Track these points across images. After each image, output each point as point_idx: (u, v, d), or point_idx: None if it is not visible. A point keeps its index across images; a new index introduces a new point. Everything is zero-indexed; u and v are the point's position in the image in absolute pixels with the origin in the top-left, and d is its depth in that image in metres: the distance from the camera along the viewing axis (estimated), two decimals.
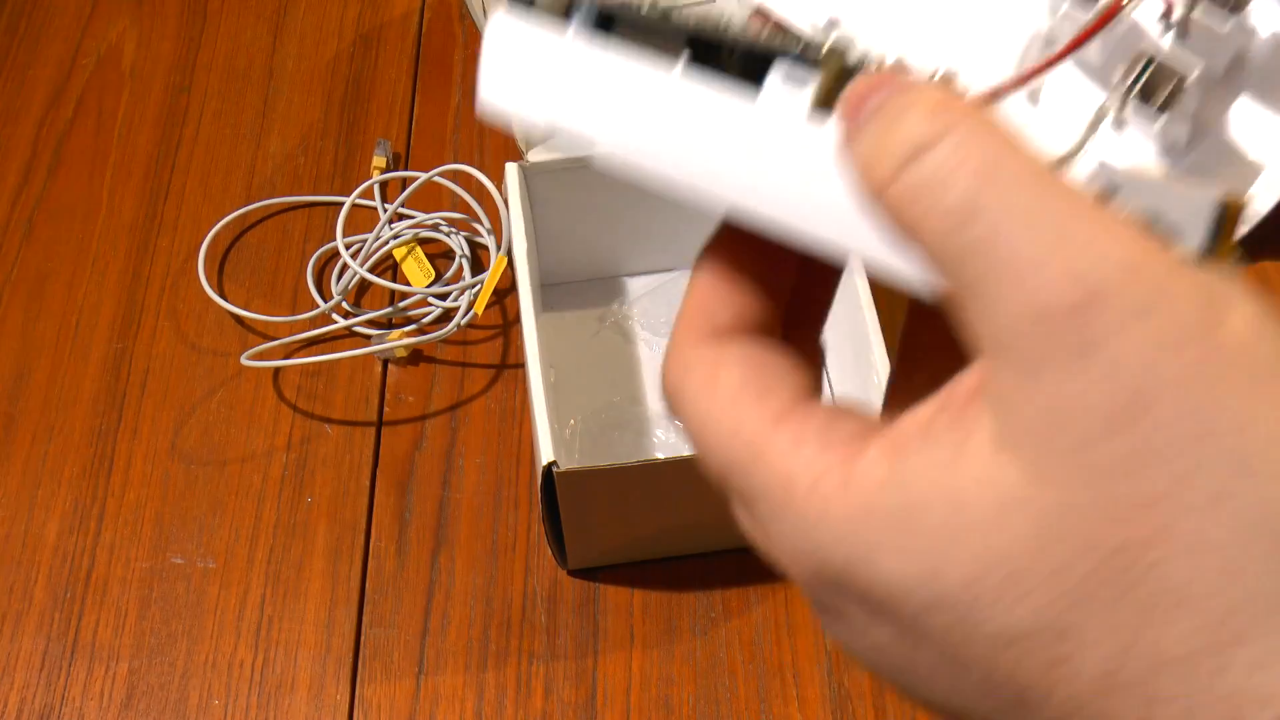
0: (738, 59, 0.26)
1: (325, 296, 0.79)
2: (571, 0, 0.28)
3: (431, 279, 0.78)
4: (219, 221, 0.82)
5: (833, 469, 0.22)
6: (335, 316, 0.77)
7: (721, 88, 0.26)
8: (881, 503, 0.22)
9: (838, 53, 0.25)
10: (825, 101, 0.25)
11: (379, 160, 0.83)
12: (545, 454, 0.60)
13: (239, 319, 0.78)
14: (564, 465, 0.60)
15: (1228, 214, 0.23)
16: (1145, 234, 0.20)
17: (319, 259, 0.80)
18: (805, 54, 0.25)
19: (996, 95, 0.29)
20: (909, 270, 0.23)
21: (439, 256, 0.80)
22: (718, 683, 0.65)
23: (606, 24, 0.27)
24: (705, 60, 0.27)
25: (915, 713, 0.64)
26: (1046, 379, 0.20)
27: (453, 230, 0.80)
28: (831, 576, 0.22)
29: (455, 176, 0.81)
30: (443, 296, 0.77)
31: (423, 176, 0.78)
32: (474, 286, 0.76)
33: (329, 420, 0.74)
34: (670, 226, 0.76)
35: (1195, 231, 0.22)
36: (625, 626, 0.67)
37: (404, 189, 0.81)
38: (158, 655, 0.66)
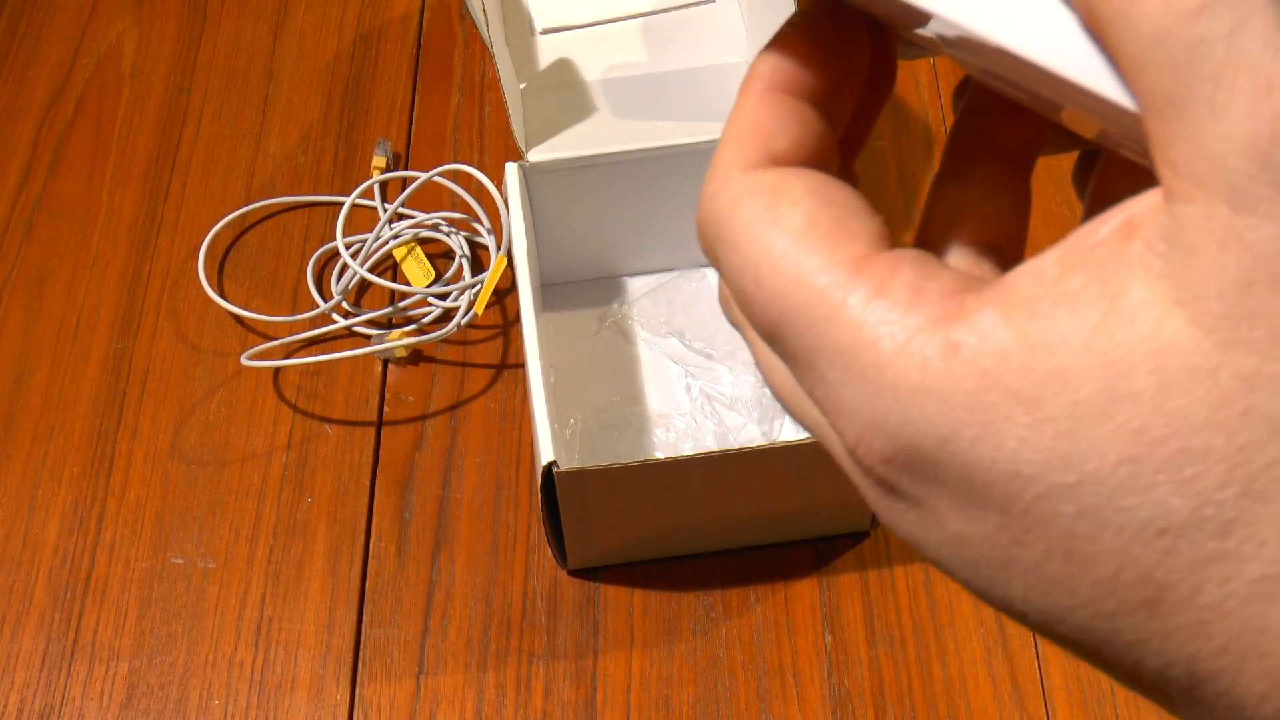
0: None
1: (325, 296, 0.79)
2: None
3: (431, 279, 0.78)
4: (219, 221, 0.82)
5: (931, 331, 0.19)
6: (335, 316, 0.77)
7: None
8: (1006, 372, 0.18)
9: None
10: None
11: (379, 160, 0.83)
12: (545, 454, 0.60)
13: (239, 319, 0.79)
14: (564, 465, 0.60)
15: None
16: None
17: (319, 259, 0.80)
18: None
19: None
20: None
21: (439, 256, 0.80)
22: (718, 683, 0.65)
23: None
24: None
25: (915, 713, 0.64)
26: (1260, 223, 0.17)
27: (453, 230, 0.80)
28: (920, 457, 0.19)
29: (455, 176, 0.81)
30: (443, 296, 0.77)
31: (423, 176, 0.78)
32: (474, 286, 0.76)
33: (329, 420, 0.74)
34: (670, 226, 0.76)
35: None
36: (625, 626, 0.67)
37: (404, 189, 0.81)
38: (158, 655, 0.66)
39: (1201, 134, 0.17)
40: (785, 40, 0.23)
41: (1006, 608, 0.20)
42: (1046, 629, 0.20)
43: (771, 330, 0.21)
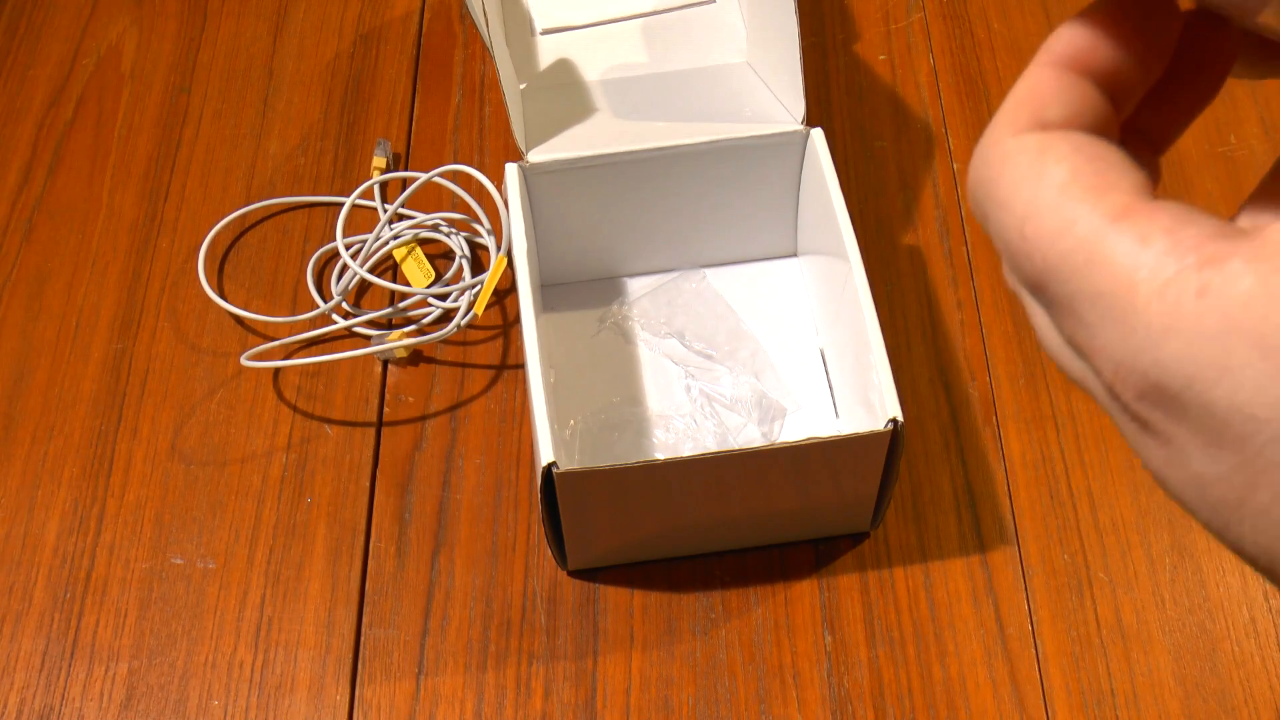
0: None
1: (325, 297, 0.79)
2: None
3: (431, 279, 0.78)
4: (219, 222, 0.82)
5: (1186, 275, 0.20)
6: (335, 317, 0.77)
7: None
8: (1249, 318, 0.19)
9: None
10: None
11: (379, 160, 0.83)
12: (545, 454, 0.60)
13: (239, 319, 0.79)
14: (564, 466, 0.60)
15: None
16: None
17: (319, 259, 0.80)
18: None
19: None
20: None
21: (439, 257, 0.80)
22: (718, 683, 0.65)
23: None
24: None
25: (915, 714, 0.64)
26: None
27: (453, 231, 0.80)
28: (1169, 395, 0.20)
29: (455, 177, 0.81)
30: (443, 297, 0.77)
31: (423, 177, 0.78)
32: (474, 287, 0.76)
33: (329, 421, 0.74)
34: (670, 226, 0.76)
35: None
36: (625, 627, 0.67)
37: (404, 189, 0.81)
38: (158, 655, 0.66)
39: None
40: (1086, 16, 0.24)
41: (1238, 548, 0.21)
42: (1274, 572, 0.20)
43: (1037, 280, 0.22)
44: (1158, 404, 0.21)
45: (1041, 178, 0.22)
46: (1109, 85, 0.24)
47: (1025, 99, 0.23)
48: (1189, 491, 0.21)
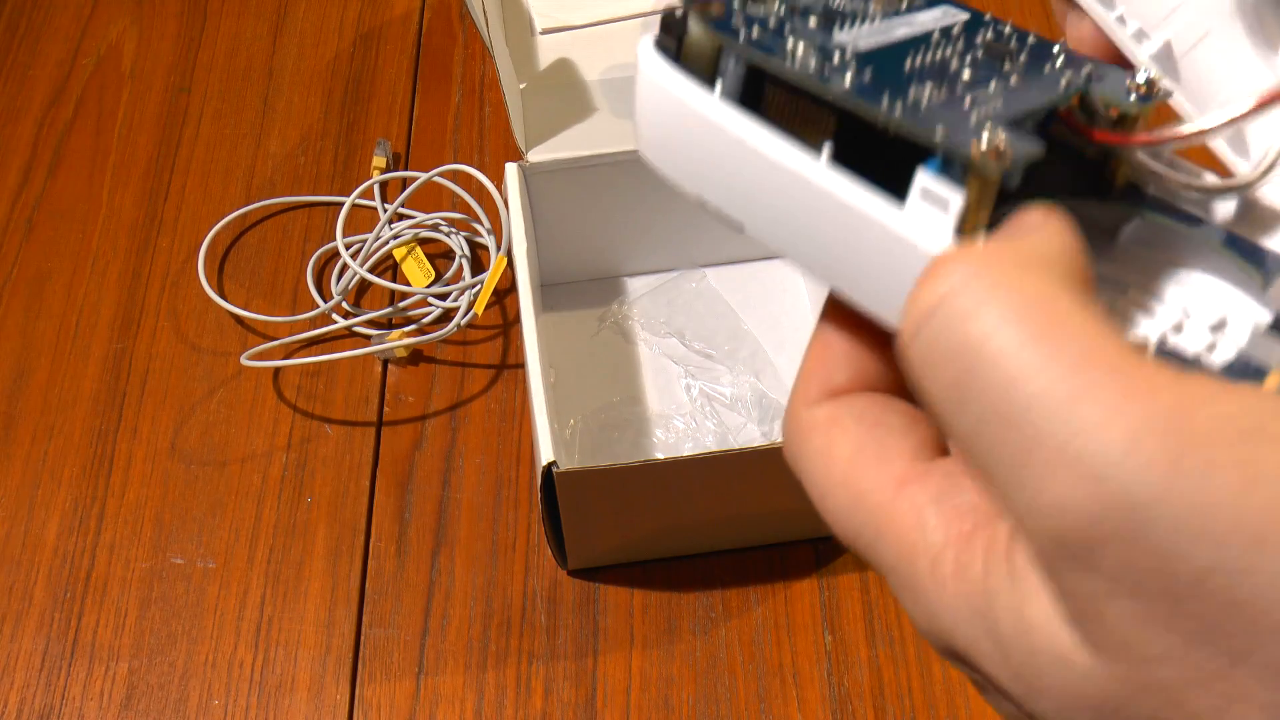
0: (886, 146, 0.23)
1: (325, 296, 0.79)
2: (720, 50, 0.25)
3: (431, 279, 0.78)
4: (219, 222, 0.82)
5: (949, 550, 0.22)
6: (335, 316, 0.77)
7: (863, 187, 0.23)
8: (980, 604, 0.21)
9: (983, 169, 0.22)
10: (969, 226, 0.23)
11: (379, 160, 0.83)
12: (545, 454, 0.60)
13: (239, 319, 0.79)
14: (564, 465, 0.60)
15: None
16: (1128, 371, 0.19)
17: (319, 259, 0.80)
18: (950, 160, 0.23)
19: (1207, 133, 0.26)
20: None
21: (439, 256, 0.80)
22: (718, 683, 0.65)
23: (757, 79, 0.25)
24: (859, 124, 0.24)
25: (915, 713, 0.64)
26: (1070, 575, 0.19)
27: (453, 230, 0.80)
28: (959, 656, 0.22)
29: (455, 176, 0.81)
30: (443, 297, 0.77)
31: (423, 177, 0.78)
32: (474, 287, 0.76)
33: (329, 420, 0.74)
34: (670, 226, 0.76)
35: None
36: (625, 626, 0.67)
37: (404, 189, 0.81)
38: (158, 655, 0.66)
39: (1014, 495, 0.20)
40: None
41: None
42: None
43: (850, 546, 0.24)
44: (956, 662, 0.22)
45: (831, 454, 0.24)
46: (884, 337, 0.25)
47: (814, 368, 0.25)
48: None
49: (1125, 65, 0.29)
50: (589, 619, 0.67)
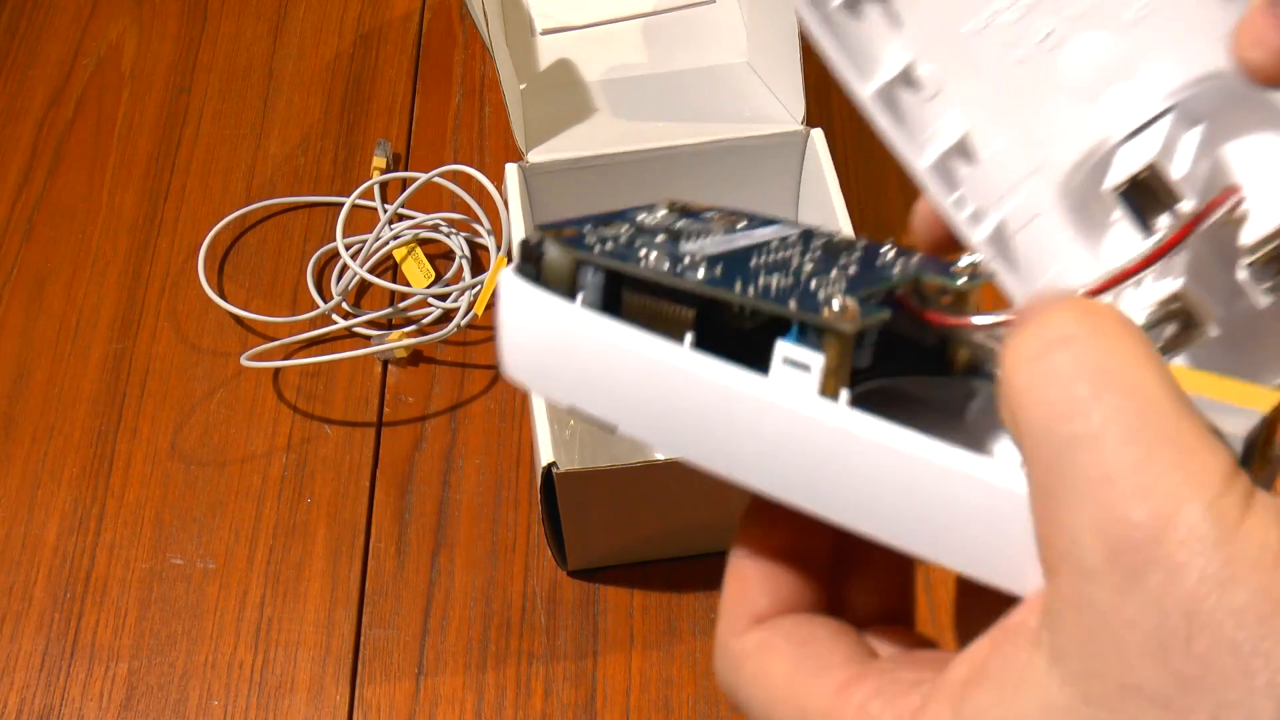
0: (745, 325, 0.25)
1: (325, 297, 0.79)
2: (577, 266, 0.27)
3: (431, 280, 0.78)
4: (219, 222, 0.82)
5: None
6: (335, 317, 0.77)
7: (728, 365, 0.25)
8: None
9: (838, 334, 0.24)
10: (830, 388, 0.24)
11: (379, 160, 0.83)
12: (545, 455, 0.60)
13: (239, 319, 0.79)
14: (564, 466, 0.60)
15: (1270, 425, 0.23)
16: (1231, 465, 0.20)
17: (319, 259, 0.80)
18: (806, 326, 0.25)
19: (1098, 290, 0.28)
20: (928, 553, 0.24)
21: (439, 257, 0.80)
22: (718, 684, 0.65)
23: (615, 287, 0.27)
24: (715, 318, 0.26)
25: None
26: (1099, 595, 0.20)
27: (453, 231, 0.80)
28: None
29: (455, 177, 0.81)
30: (443, 297, 0.77)
31: (423, 177, 0.78)
32: (474, 287, 0.76)
33: (329, 421, 0.74)
34: None
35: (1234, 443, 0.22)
36: (625, 627, 0.67)
37: (404, 189, 0.81)
38: (157, 656, 0.66)
39: (1061, 520, 0.21)
40: (750, 511, 0.28)
41: None
42: None
43: None
44: None
45: (769, 675, 0.25)
46: (798, 559, 0.27)
47: (736, 600, 0.26)
48: None
49: (958, 254, 0.31)
50: (589, 620, 0.67)
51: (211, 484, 0.72)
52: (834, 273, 0.27)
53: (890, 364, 0.28)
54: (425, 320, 0.77)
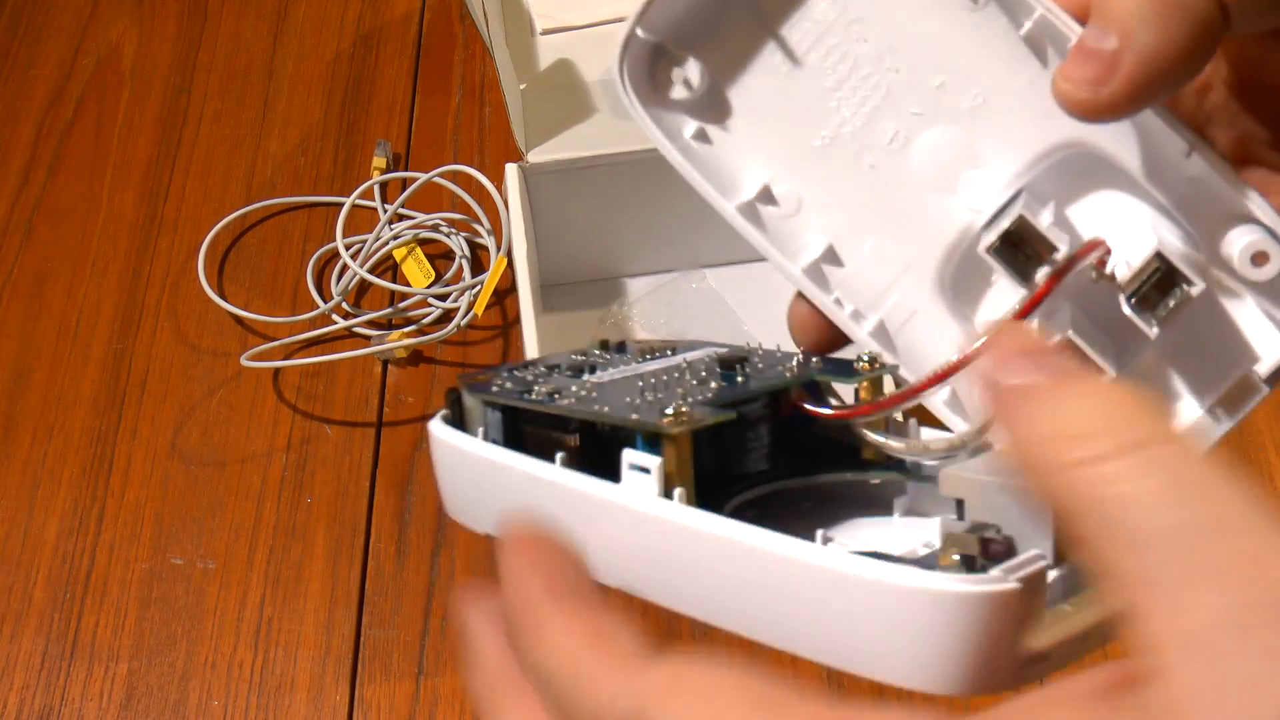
0: (621, 440, 0.28)
1: (325, 297, 0.79)
2: (486, 406, 0.31)
3: (431, 280, 0.78)
4: (219, 222, 0.82)
5: None
6: (335, 317, 0.77)
7: (587, 476, 0.28)
8: None
9: (670, 437, 0.27)
10: (673, 486, 0.27)
11: (379, 161, 0.83)
12: None
13: (239, 319, 0.78)
14: None
15: None
16: None
17: (319, 259, 0.80)
18: (645, 434, 0.28)
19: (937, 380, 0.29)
20: (778, 643, 0.27)
21: (439, 257, 0.80)
22: None
23: (515, 422, 0.30)
24: (598, 438, 0.29)
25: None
26: (1240, 675, 0.20)
27: (453, 231, 0.80)
28: None
29: (455, 177, 0.81)
30: (443, 297, 0.77)
31: (423, 177, 0.78)
32: (474, 287, 0.76)
33: (329, 421, 0.74)
34: (670, 227, 0.76)
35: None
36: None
37: (404, 189, 0.81)
38: (157, 656, 0.66)
39: (1174, 613, 0.20)
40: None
41: None
42: None
43: None
44: None
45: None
46: None
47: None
48: None
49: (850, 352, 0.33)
50: None
51: (211, 484, 0.72)
52: (713, 385, 0.30)
53: (808, 465, 0.31)
54: (425, 320, 0.77)
